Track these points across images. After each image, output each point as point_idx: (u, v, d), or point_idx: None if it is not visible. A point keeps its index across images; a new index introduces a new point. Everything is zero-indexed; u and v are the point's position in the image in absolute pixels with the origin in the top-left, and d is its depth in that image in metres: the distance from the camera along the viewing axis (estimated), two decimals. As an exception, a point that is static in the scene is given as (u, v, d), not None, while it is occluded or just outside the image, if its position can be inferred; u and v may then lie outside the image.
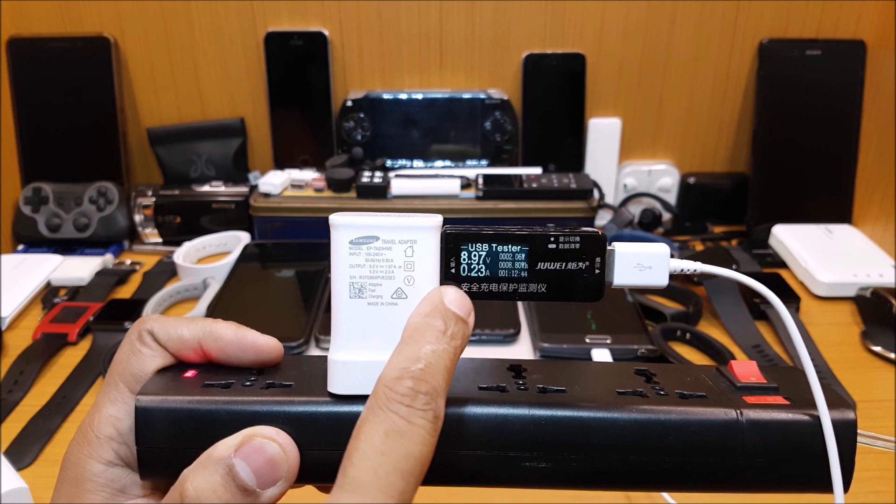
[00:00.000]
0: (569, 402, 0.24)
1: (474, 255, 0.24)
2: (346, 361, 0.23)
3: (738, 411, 0.24)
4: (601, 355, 0.56)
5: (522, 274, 0.24)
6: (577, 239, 0.24)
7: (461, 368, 0.25)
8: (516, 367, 0.26)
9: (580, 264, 0.24)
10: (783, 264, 0.76)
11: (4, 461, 0.44)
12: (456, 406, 0.23)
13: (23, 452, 0.50)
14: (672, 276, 0.25)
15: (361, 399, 0.23)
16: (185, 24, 0.81)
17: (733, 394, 0.25)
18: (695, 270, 0.25)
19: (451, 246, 0.24)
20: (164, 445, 0.24)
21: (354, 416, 0.22)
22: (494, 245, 0.24)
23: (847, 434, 0.23)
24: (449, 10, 0.80)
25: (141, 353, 0.25)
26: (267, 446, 0.22)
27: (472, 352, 0.59)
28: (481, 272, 0.24)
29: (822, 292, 0.69)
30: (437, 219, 0.23)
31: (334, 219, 0.23)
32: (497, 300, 0.24)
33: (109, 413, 0.25)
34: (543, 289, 0.24)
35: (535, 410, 0.23)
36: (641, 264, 0.24)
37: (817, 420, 0.23)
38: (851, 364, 0.60)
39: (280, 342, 0.26)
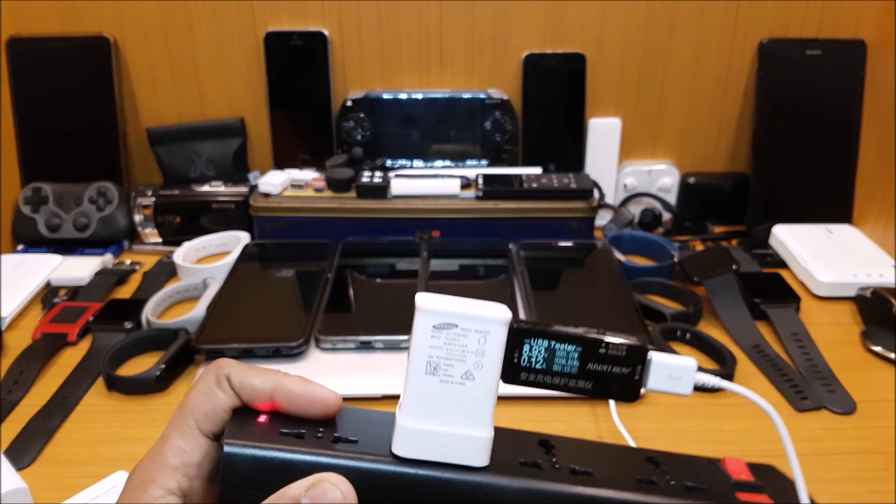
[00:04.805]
0: (597, 484, 0.27)
1: (535, 349, 0.27)
2: (413, 428, 0.26)
3: None
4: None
5: (573, 371, 0.27)
6: (625, 348, 0.27)
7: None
8: (545, 443, 0.29)
9: (623, 370, 0.27)
10: (783, 264, 0.76)
11: (4, 461, 0.44)
12: (503, 477, 0.26)
13: (23, 452, 0.50)
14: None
15: (421, 463, 0.26)
16: (185, 24, 0.81)
17: (729, 489, 0.28)
18: (714, 386, 0.29)
19: (516, 339, 0.26)
20: (244, 487, 0.26)
21: (414, 478, 0.26)
22: (553, 342, 0.27)
23: None
24: (449, 10, 0.80)
25: (216, 395, 0.28)
26: (331, 492, 0.25)
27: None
28: (539, 364, 0.27)
29: (823, 292, 0.69)
30: (508, 314, 0.26)
31: (422, 303, 0.26)
32: (549, 390, 0.27)
33: (178, 444, 0.27)
34: (589, 386, 0.27)
35: (571, 488, 0.26)
36: (672, 375, 0.28)
37: None
38: (851, 364, 0.60)
39: (340, 396, 0.28)
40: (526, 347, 0.26)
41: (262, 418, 0.28)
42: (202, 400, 0.28)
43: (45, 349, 0.61)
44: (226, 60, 0.82)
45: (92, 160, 0.82)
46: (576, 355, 0.27)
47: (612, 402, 0.52)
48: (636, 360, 0.27)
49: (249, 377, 0.28)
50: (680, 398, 0.56)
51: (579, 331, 0.27)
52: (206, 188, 0.80)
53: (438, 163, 0.84)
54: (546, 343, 0.26)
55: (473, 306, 0.26)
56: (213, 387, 0.28)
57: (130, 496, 0.27)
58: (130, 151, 0.85)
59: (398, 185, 0.75)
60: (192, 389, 0.28)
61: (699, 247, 0.80)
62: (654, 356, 0.27)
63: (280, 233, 0.77)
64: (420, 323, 0.26)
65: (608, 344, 0.27)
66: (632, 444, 0.50)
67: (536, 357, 0.27)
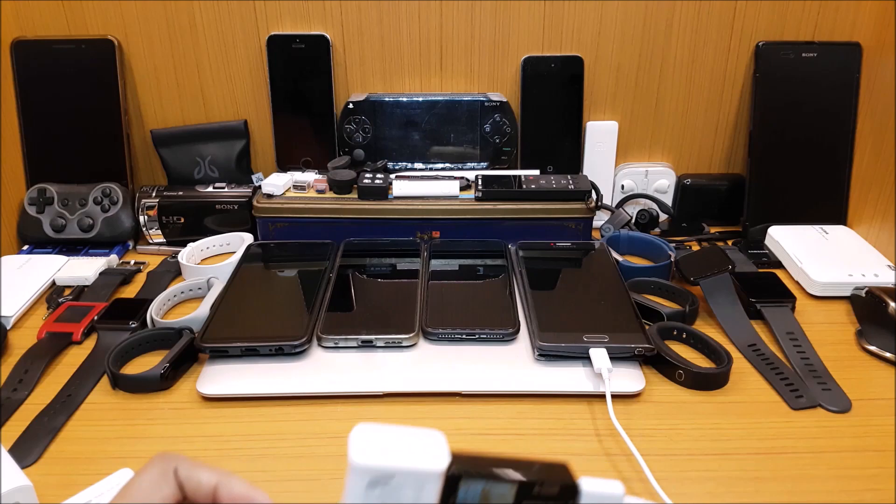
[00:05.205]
0: None
1: (471, 491, 0.27)
2: None
3: None
4: (599, 354, 0.57)
5: None
6: (558, 488, 0.28)
7: None
8: None
9: None
10: (779, 265, 0.76)
11: (9, 459, 0.45)
12: None
13: (27, 451, 0.51)
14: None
15: None
16: (189, 26, 0.81)
17: None
18: None
19: (451, 485, 0.26)
20: None
21: None
22: (489, 485, 0.27)
23: None
24: (449, 14, 0.81)
25: (160, 487, 0.28)
26: None
27: (472, 350, 0.60)
28: None
29: (818, 292, 0.70)
30: (445, 462, 0.26)
31: (356, 457, 0.25)
32: None
33: None
34: None
35: None
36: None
37: None
38: (847, 363, 0.60)
39: None
40: (461, 491, 0.27)
41: None
42: (145, 491, 0.28)
43: (49, 348, 0.62)
44: (229, 63, 0.83)
45: (97, 161, 0.83)
46: (511, 495, 0.27)
47: (609, 401, 0.53)
48: (567, 497, 0.28)
49: (196, 471, 0.28)
50: (677, 394, 0.56)
51: (515, 474, 0.27)
52: (209, 189, 0.81)
53: (438, 164, 0.85)
54: (482, 485, 0.27)
55: (409, 456, 0.25)
56: (158, 478, 0.28)
57: None
58: (135, 153, 0.86)
59: (399, 187, 0.76)
60: (137, 479, 0.28)
61: (695, 247, 0.80)
62: (585, 491, 0.28)
63: (282, 233, 0.77)
64: (355, 477, 0.25)
65: (542, 483, 0.27)
66: (629, 441, 0.50)
67: (472, 500, 0.27)
